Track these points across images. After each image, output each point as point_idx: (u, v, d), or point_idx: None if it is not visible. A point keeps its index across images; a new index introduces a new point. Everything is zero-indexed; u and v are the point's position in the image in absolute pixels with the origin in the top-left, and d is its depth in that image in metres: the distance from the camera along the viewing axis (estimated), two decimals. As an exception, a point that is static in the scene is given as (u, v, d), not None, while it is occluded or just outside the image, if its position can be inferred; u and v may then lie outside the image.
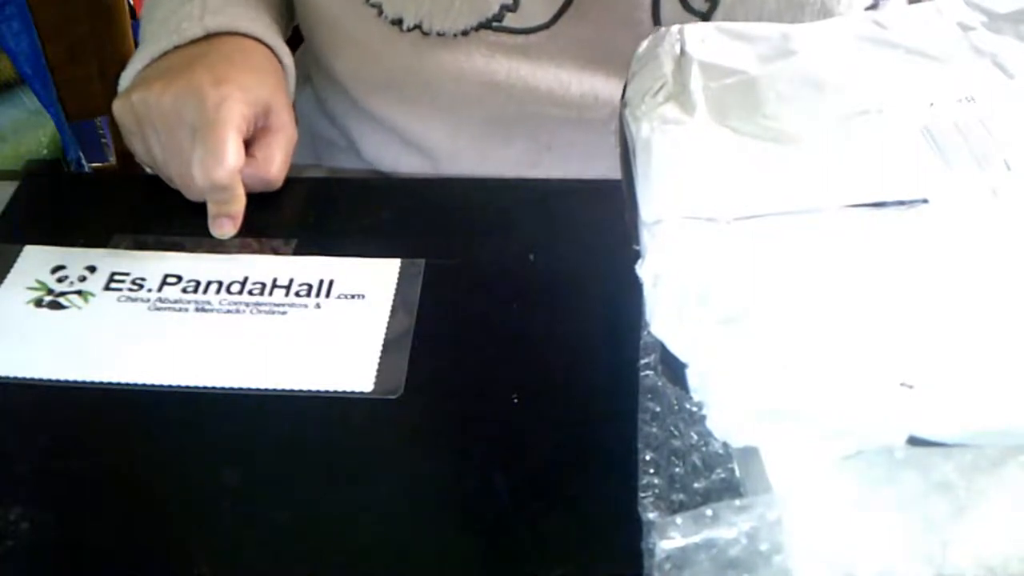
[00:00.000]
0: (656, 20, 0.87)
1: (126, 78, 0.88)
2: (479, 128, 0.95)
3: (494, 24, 0.88)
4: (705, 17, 0.86)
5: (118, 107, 0.85)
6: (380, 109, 0.97)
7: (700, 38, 0.67)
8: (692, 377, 0.53)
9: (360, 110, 0.99)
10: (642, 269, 0.56)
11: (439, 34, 0.89)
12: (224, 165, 0.77)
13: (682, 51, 0.66)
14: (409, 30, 0.89)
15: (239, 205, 0.80)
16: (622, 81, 0.90)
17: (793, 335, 0.52)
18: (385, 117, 0.97)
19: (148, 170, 0.86)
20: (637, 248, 0.59)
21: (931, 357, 0.50)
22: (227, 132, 0.78)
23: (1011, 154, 0.57)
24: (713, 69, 0.65)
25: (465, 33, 0.89)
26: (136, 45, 1.15)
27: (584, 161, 0.94)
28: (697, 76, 0.64)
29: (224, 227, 0.80)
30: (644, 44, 0.69)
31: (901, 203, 0.56)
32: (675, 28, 0.68)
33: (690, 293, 0.54)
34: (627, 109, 0.65)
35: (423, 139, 0.97)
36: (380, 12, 0.88)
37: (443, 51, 0.90)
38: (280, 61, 0.90)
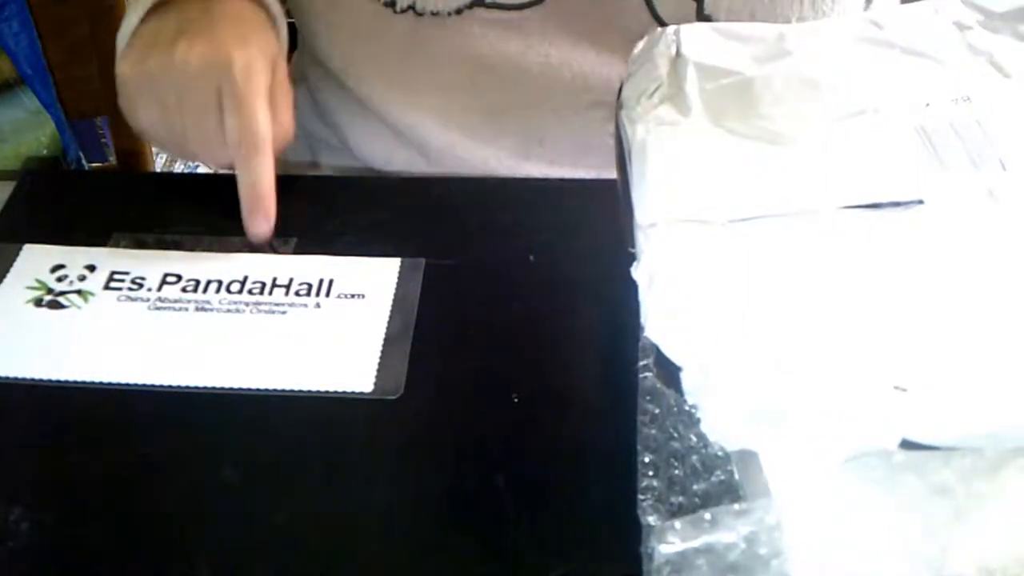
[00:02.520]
0: None
1: (123, 38, 0.84)
2: (470, 116, 0.95)
3: (487, 1, 0.88)
4: None
5: (128, 70, 0.81)
6: (372, 99, 0.97)
7: (696, 39, 0.67)
8: (686, 380, 0.53)
9: (353, 103, 0.98)
10: (637, 271, 0.56)
11: (433, 14, 0.88)
12: (261, 135, 0.76)
13: (678, 52, 0.66)
14: (403, 11, 0.88)
15: (270, 187, 0.78)
16: (612, 63, 0.89)
17: (787, 338, 0.52)
18: (377, 108, 0.97)
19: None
20: (632, 251, 0.59)
21: (925, 360, 0.50)
22: (260, 101, 0.77)
23: (1007, 154, 0.58)
24: (709, 70, 0.65)
25: (459, 12, 0.88)
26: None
27: (575, 155, 0.94)
28: (693, 77, 0.64)
29: (260, 226, 0.78)
30: (640, 45, 0.69)
31: (897, 204, 0.57)
32: (671, 29, 0.68)
33: (684, 296, 0.54)
34: (623, 111, 0.65)
35: (414, 131, 0.96)
36: None
37: (436, 32, 0.90)
38: (269, 11, 0.87)
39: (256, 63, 0.78)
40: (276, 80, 0.82)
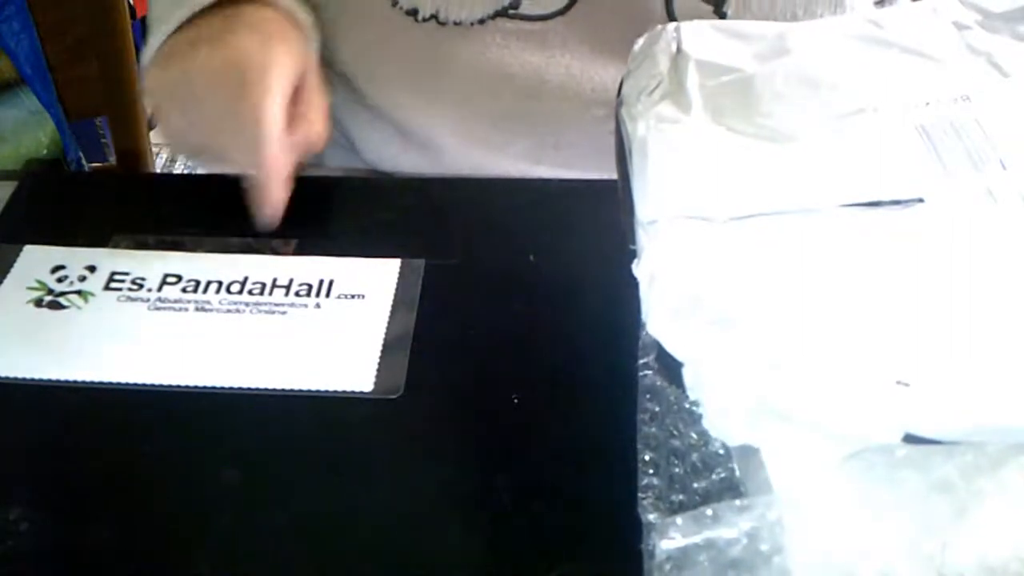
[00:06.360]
0: (668, 7, 0.87)
1: (147, 57, 0.85)
2: (486, 124, 0.95)
3: (510, 11, 0.88)
4: (717, 6, 0.86)
5: (154, 79, 0.82)
6: (387, 104, 0.97)
7: (696, 36, 0.67)
8: (688, 376, 0.53)
9: (365, 107, 0.98)
10: (638, 269, 0.56)
11: (456, 23, 0.88)
12: (266, 123, 0.75)
13: (678, 49, 0.67)
14: (425, 20, 0.88)
15: (281, 186, 0.77)
16: None
17: (789, 334, 0.52)
18: (391, 113, 0.97)
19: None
20: (633, 248, 0.59)
21: (927, 355, 0.50)
22: (271, 94, 0.76)
23: (1006, 153, 0.58)
24: (709, 67, 0.65)
25: (482, 22, 0.88)
26: (136, 46, 1.15)
27: (586, 159, 0.94)
28: (693, 74, 0.64)
29: (263, 216, 0.77)
30: (640, 42, 0.69)
31: (897, 202, 0.57)
32: (671, 26, 0.68)
33: (686, 293, 0.54)
34: (623, 108, 0.65)
35: (428, 135, 0.96)
36: (394, 3, 0.88)
37: (458, 41, 0.90)
38: (298, 21, 0.87)
39: (275, 62, 0.78)
40: (307, 85, 0.82)
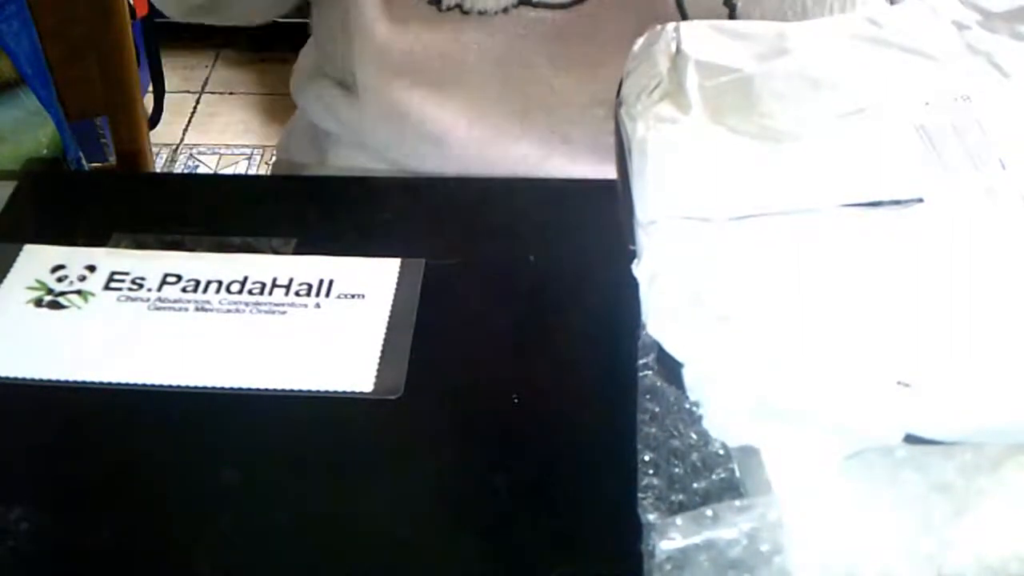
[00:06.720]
0: (679, 1, 0.87)
1: None
2: (501, 115, 0.94)
3: (533, 0, 0.88)
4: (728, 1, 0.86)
5: None
6: (402, 97, 0.96)
7: (695, 36, 0.67)
8: (688, 376, 0.53)
9: (378, 101, 0.97)
10: (638, 269, 0.56)
11: (480, 13, 0.88)
12: None
13: (678, 49, 0.66)
14: (448, 9, 0.88)
15: None
16: None
17: (789, 334, 0.52)
18: (404, 105, 0.96)
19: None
20: (633, 248, 0.59)
21: (927, 356, 0.50)
22: None
23: (1006, 153, 0.58)
24: (708, 67, 0.65)
25: (505, 11, 0.88)
26: (136, 46, 1.15)
27: (597, 153, 0.94)
28: (692, 74, 0.64)
29: None
30: (640, 42, 0.69)
31: (897, 202, 0.57)
32: (670, 26, 0.68)
33: (685, 293, 0.54)
34: (623, 108, 0.65)
35: (440, 128, 0.95)
36: None
37: (481, 31, 0.89)
38: None
39: None
40: None
